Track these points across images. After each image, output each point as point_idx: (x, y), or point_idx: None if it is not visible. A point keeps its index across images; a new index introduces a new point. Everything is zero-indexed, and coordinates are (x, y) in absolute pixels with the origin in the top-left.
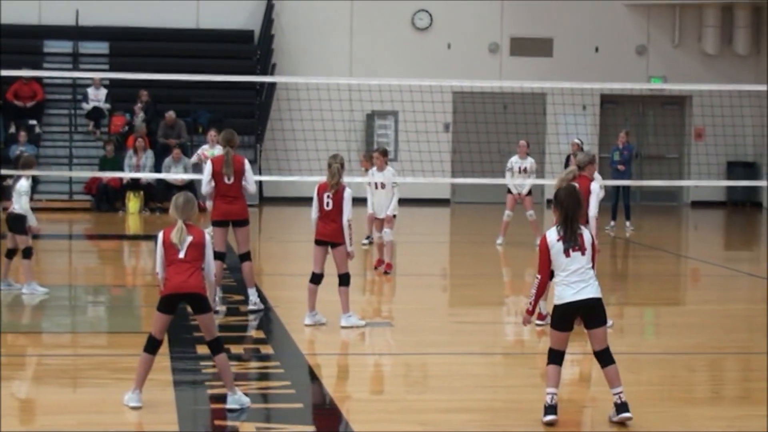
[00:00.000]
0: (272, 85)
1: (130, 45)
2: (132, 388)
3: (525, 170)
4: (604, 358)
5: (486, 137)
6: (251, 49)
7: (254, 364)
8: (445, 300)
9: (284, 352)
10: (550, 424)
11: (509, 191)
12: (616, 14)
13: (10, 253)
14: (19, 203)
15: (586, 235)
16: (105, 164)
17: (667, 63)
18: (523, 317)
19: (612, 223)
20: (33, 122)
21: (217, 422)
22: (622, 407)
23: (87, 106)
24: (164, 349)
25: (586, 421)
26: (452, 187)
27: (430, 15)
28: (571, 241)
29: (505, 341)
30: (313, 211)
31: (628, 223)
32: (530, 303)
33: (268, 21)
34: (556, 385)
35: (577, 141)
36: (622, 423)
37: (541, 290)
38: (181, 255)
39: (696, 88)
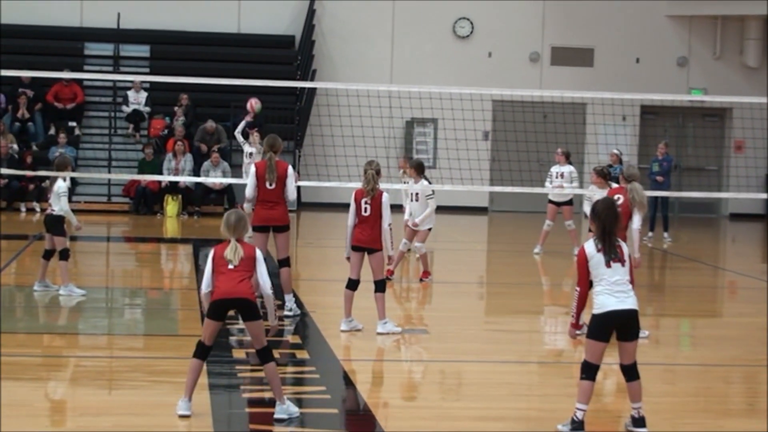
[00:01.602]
0: (312, 90)
1: (170, 48)
2: (182, 396)
3: (562, 176)
4: (631, 373)
5: (525, 146)
6: (292, 54)
7: (290, 368)
8: (481, 308)
9: (320, 357)
10: None
11: (550, 201)
12: (657, 25)
13: (48, 254)
14: (58, 204)
15: (624, 247)
16: (144, 167)
17: (708, 75)
18: (569, 330)
19: (650, 234)
20: (73, 124)
21: (252, 426)
22: (639, 422)
23: (127, 109)
24: None
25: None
26: (490, 196)
27: (472, 23)
28: (611, 252)
29: (540, 350)
30: (350, 218)
31: (666, 235)
32: (573, 316)
33: (309, 26)
34: (587, 402)
35: (616, 152)
36: None
37: (582, 302)
38: (231, 266)
39: (737, 101)
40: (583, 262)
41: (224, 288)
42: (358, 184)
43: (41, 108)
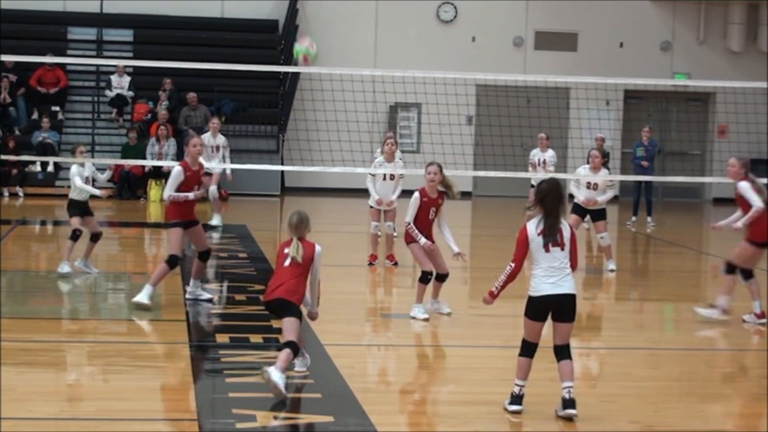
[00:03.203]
0: (296, 75)
1: (154, 33)
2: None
3: (544, 162)
4: (563, 353)
5: (509, 131)
6: (275, 38)
7: (273, 353)
8: (465, 292)
9: (303, 342)
10: (515, 412)
11: (532, 186)
12: (641, 10)
13: (92, 237)
14: (73, 186)
15: (566, 231)
16: (127, 152)
17: (692, 59)
18: (485, 298)
19: (633, 218)
20: (56, 109)
21: (235, 411)
22: (569, 403)
23: (110, 94)
24: (183, 337)
25: (603, 415)
26: (474, 180)
27: (455, 8)
28: (551, 236)
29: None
30: (410, 215)
31: (649, 219)
32: (496, 287)
33: (292, 11)
34: (525, 378)
35: (601, 135)
36: (569, 419)
37: (510, 279)
38: (286, 263)
39: (720, 85)
40: (523, 241)
41: (271, 286)
42: (342, 169)
43: (24, 92)
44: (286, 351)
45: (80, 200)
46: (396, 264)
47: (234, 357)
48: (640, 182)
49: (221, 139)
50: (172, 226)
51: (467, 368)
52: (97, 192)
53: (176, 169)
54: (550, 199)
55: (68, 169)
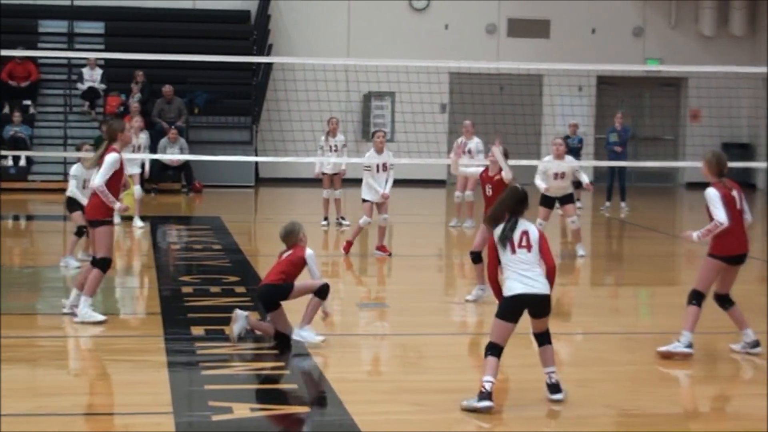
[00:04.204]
0: (269, 65)
1: (125, 25)
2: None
3: (470, 151)
4: (542, 338)
5: (482, 118)
6: (248, 29)
7: (249, 345)
8: (440, 281)
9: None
10: (487, 409)
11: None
12: None
13: (79, 231)
14: (70, 186)
15: (533, 233)
16: (100, 145)
17: (664, 44)
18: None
19: (607, 203)
20: (27, 102)
21: (212, 403)
22: (553, 387)
23: (82, 87)
24: (158, 330)
25: (579, 400)
26: (448, 168)
27: None
28: (515, 239)
29: None
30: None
31: (623, 204)
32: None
33: (264, 1)
34: (494, 375)
35: (575, 122)
36: (557, 401)
37: (494, 285)
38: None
39: (692, 70)
40: (492, 248)
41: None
42: (317, 159)
43: None
44: (316, 301)
45: (71, 197)
46: (390, 255)
47: (209, 349)
48: (613, 168)
49: (143, 139)
50: (106, 223)
51: (443, 356)
52: (83, 201)
53: (115, 156)
54: (509, 204)
55: (42, 163)
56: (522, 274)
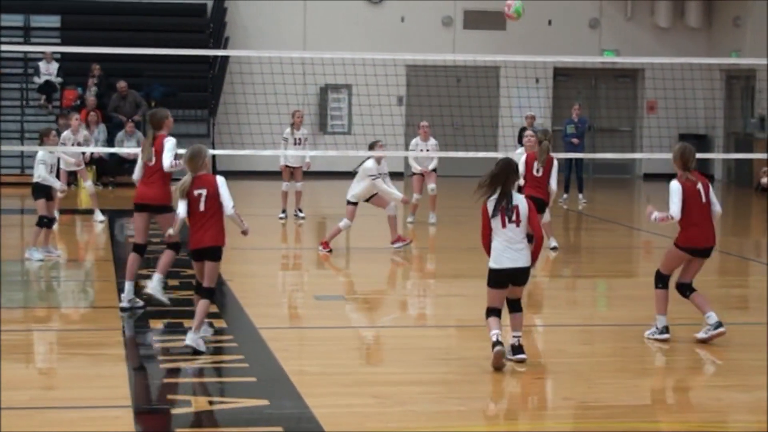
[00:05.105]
0: (225, 58)
1: (82, 18)
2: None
3: (428, 151)
4: (515, 306)
5: (439, 110)
6: (204, 22)
7: (208, 337)
8: (399, 273)
9: (238, 325)
10: (500, 354)
11: (413, 174)
12: None
13: (40, 221)
14: (37, 172)
15: (523, 207)
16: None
17: (620, 36)
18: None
19: (565, 195)
20: None
21: (170, 396)
22: (517, 349)
23: (38, 80)
24: (117, 323)
25: (537, 392)
26: (405, 161)
27: None
28: (505, 213)
29: (458, 314)
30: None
31: (581, 196)
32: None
33: None
34: (499, 328)
35: (531, 113)
36: (519, 362)
37: (488, 251)
38: (201, 209)
39: (648, 62)
40: (485, 218)
41: (193, 238)
42: (274, 152)
43: None
44: (206, 310)
45: (45, 184)
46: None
47: (168, 343)
48: (570, 159)
49: (83, 135)
50: (171, 209)
51: (402, 349)
52: (57, 185)
53: (173, 139)
54: (501, 178)
55: None
56: (510, 248)
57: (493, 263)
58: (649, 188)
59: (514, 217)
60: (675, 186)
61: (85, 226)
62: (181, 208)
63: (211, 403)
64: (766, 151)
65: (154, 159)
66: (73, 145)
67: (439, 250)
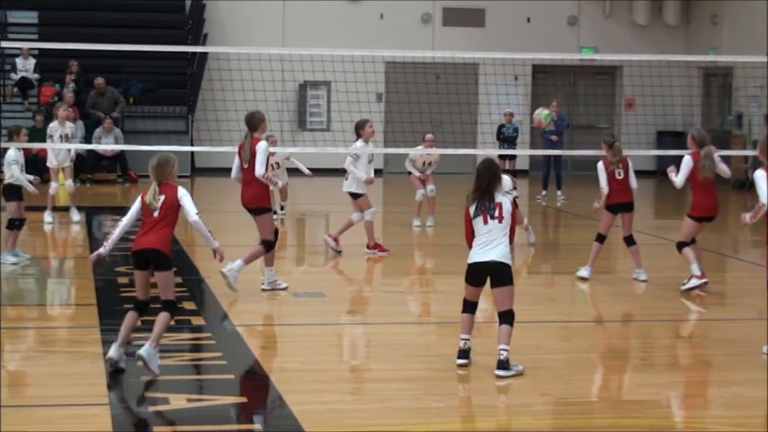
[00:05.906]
0: (204, 55)
1: (59, 14)
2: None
3: (430, 164)
4: (502, 318)
5: (418, 107)
6: (182, 18)
7: (186, 335)
8: (378, 270)
9: (216, 323)
10: (462, 366)
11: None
12: None
13: (11, 224)
14: (9, 172)
15: (506, 206)
16: (34, 135)
17: (598, 33)
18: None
19: (543, 192)
20: None
21: (147, 394)
22: (499, 364)
23: (15, 77)
24: (94, 321)
25: (514, 388)
26: (384, 158)
27: None
28: (487, 210)
29: (437, 311)
30: (603, 182)
31: (559, 193)
32: None
33: None
34: (468, 332)
35: (510, 110)
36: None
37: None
38: (156, 214)
39: (626, 59)
40: (467, 221)
41: (138, 240)
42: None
43: None
44: (165, 325)
45: (17, 185)
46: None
47: (145, 341)
48: (549, 156)
49: (70, 128)
50: (267, 210)
51: (381, 345)
52: (30, 188)
53: (265, 143)
54: (485, 177)
55: None
56: (486, 244)
57: (469, 259)
58: None
59: (496, 214)
60: (760, 174)
61: (63, 225)
62: (133, 210)
63: (189, 400)
64: (743, 148)
65: (249, 162)
66: (60, 136)
67: (418, 247)
